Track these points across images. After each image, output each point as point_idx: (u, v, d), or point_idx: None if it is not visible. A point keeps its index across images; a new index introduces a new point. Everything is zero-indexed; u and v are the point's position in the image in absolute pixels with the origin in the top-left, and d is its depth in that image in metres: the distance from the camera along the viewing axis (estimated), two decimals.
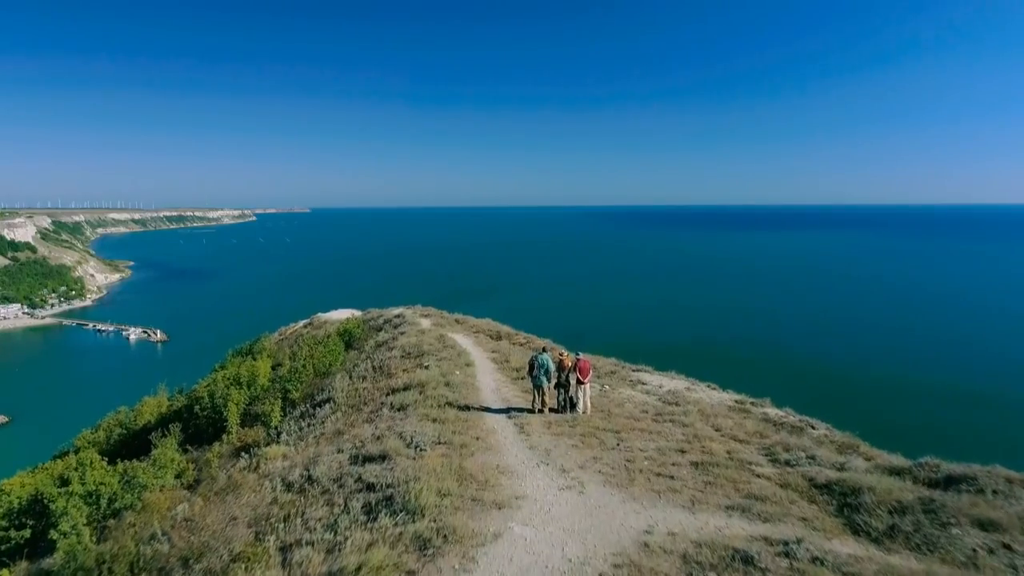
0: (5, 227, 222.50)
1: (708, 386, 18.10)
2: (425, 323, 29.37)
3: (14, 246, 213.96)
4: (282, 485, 10.95)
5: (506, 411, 13.94)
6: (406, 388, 16.14)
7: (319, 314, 44.98)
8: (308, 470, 11.16)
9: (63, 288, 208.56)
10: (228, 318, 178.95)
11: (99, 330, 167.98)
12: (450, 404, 14.21)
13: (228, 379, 24.52)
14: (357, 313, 39.59)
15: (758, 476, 10.12)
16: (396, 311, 35.00)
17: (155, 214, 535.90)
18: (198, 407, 23.17)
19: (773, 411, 16.98)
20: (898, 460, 12.94)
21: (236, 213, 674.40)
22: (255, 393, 25.08)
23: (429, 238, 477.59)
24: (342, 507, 9.18)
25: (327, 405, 17.80)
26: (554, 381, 13.60)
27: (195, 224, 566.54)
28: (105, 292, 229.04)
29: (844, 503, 9.03)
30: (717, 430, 13.20)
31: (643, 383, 16.68)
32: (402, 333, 26.04)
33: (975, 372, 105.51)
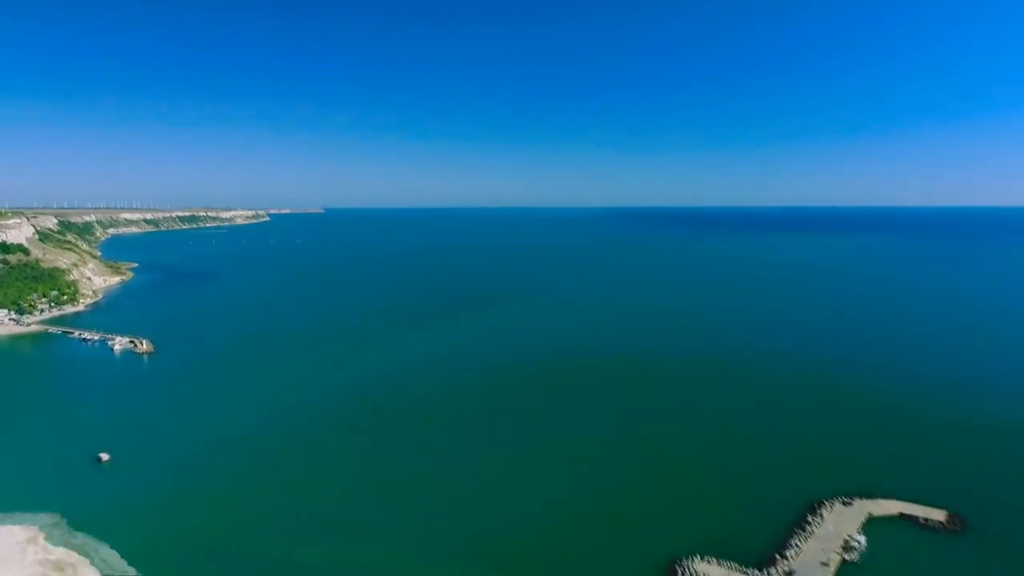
0: None
1: None
2: None
3: (4, 248, 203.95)
4: None
5: None
6: None
7: None
8: None
9: (54, 292, 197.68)
10: (219, 329, 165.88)
11: (84, 339, 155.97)
12: None
13: None
14: None
15: None
16: None
17: (168, 214, 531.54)
18: None
19: None
20: None
21: (250, 213, 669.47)
22: None
23: (440, 239, 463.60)
24: None
25: None
26: None
27: (208, 224, 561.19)
28: (101, 296, 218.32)
29: None
30: None
31: None
32: None
33: None
